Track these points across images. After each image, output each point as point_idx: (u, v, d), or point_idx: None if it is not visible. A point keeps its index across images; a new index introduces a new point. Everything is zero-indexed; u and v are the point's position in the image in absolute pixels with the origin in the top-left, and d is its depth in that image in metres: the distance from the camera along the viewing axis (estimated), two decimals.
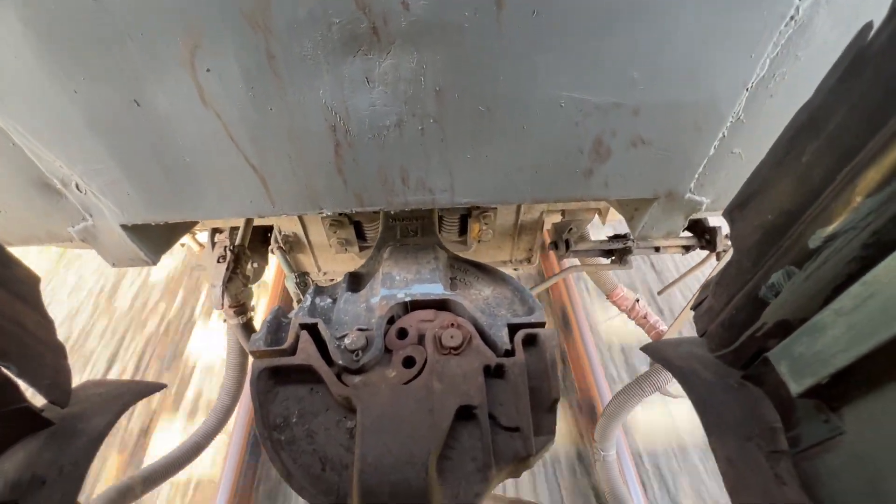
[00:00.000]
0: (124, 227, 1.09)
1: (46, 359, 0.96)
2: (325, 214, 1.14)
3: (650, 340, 2.49)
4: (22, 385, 0.93)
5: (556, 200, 1.10)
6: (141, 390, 1.15)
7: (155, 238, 1.21)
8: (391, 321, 1.14)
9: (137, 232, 1.13)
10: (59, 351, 1.01)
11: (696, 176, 1.06)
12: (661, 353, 1.14)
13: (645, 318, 2.47)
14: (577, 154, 0.98)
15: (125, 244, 1.13)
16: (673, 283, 2.37)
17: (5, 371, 0.86)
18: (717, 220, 2.01)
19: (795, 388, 0.72)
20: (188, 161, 0.95)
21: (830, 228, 0.67)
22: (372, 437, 0.93)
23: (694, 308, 1.04)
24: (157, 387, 1.22)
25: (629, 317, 2.56)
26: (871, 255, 0.63)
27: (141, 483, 1.74)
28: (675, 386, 2.07)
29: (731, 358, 0.97)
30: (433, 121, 0.91)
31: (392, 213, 1.63)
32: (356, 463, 0.91)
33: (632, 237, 1.91)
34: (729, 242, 1.96)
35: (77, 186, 0.98)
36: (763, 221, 0.79)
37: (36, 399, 0.99)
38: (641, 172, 1.04)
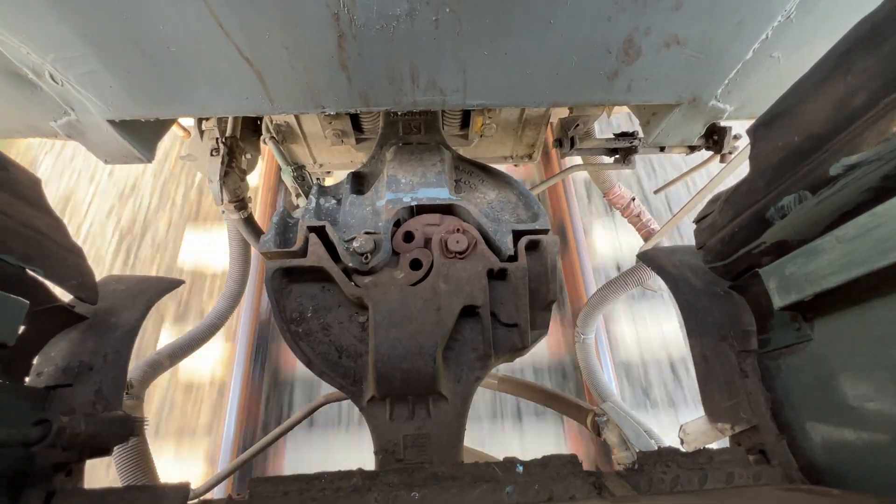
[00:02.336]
0: (112, 122, 1.01)
1: (68, 260, 0.98)
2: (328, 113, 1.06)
3: (641, 242, 2.58)
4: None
5: (575, 104, 1.04)
6: (163, 287, 1.20)
7: (148, 133, 1.13)
8: (397, 224, 1.16)
9: (127, 128, 1.05)
10: (77, 251, 1.02)
11: (726, 81, 0.99)
12: (655, 261, 1.20)
13: (638, 216, 2.52)
14: (605, 54, 0.90)
15: (115, 141, 1.06)
16: (670, 183, 2.37)
17: (33, 274, 0.88)
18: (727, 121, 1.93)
19: (779, 302, 0.79)
20: (173, 51, 0.84)
21: (855, 157, 0.66)
22: (384, 331, 1.01)
23: (697, 221, 1.06)
24: (176, 283, 1.27)
25: (622, 215, 2.60)
26: (889, 187, 0.63)
27: (167, 358, 1.92)
28: (655, 282, 2.22)
29: (722, 270, 1.03)
30: (449, 10, 0.80)
31: None
32: (371, 353, 1.01)
33: (640, 138, 1.85)
34: (736, 144, 1.91)
35: (52, 77, 0.88)
36: (787, 143, 0.76)
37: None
38: (669, 76, 0.96)
